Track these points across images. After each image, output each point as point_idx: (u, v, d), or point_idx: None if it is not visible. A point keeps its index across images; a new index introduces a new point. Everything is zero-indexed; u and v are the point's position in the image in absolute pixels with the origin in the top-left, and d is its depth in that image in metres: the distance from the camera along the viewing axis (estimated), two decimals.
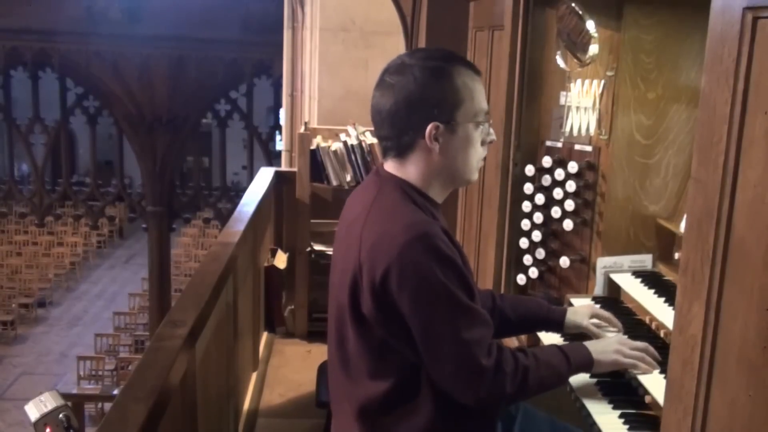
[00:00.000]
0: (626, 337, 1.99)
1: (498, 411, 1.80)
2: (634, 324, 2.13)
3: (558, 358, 1.76)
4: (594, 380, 1.94)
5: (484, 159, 1.82)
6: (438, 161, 1.69)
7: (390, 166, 1.74)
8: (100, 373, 12.44)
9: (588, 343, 1.87)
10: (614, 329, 2.06)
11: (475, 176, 1.78)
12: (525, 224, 2.65)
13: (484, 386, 1.62)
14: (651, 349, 1.88)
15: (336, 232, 1.84)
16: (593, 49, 2.37)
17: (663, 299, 2.09)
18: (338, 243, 1.80)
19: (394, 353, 1.65)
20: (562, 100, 2.53)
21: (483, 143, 1.75)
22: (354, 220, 1.70)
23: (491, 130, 1.77)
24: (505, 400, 1.70)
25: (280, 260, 4.69)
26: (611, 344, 1.88)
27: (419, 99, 1.65)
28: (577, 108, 2.47)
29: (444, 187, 1.76)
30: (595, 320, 2.07)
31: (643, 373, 1.84)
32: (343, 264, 1.68)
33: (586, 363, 1.81)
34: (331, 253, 4.50)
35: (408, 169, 1.71)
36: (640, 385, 1.84)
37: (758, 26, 1.18)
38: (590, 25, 2.36)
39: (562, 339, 2.15)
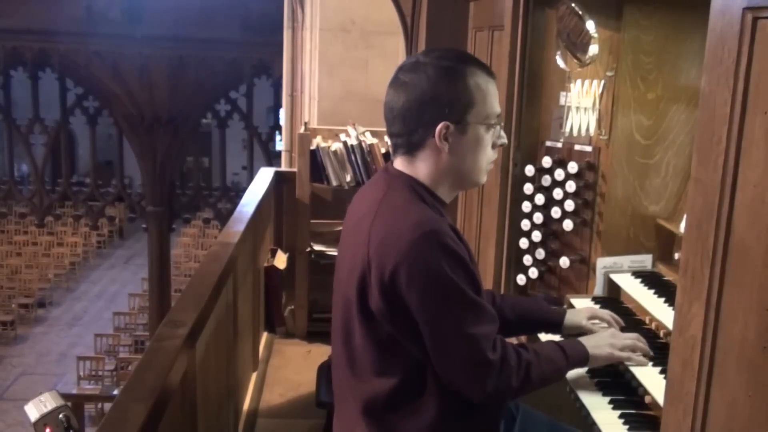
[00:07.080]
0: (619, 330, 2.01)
1: (502, 408, 1.80)
2: (634, 324, 2.13)
3: (557, 354, 1.78)
4: (594, 380, 1.95)
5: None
6: (447, 161, 1.69)
7: (399, 163, 1.74)
8: (100, 373, 12.46)
9: (583, 339, 1.90)
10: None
11: (483, 178, 1.78)
12: (525, 224, 2.65)
13: (491, 380, 1.63)
14: (642, 341, 1.91)
15: (343, 229, 1.84)
16: (593, 49, 2.37)
17: (663, 299, 2.09)
18: (345, 239, 1.80)
19: (400, 350, 1.65)
20: (562, 100, 2.53)
21: (494, 146, 1.75)
22: (362, 216, 1.70)
23: (502, 133, 1.77)
24: (511, 394, 1.71)
25: (280, 260, 4.69)
26: (604, 339, 1.91)
27: (431, 98, 1.65)
28: (577, 108, 2.47)
29: (452, 187, 1.76)
30: (594, 321, 2.07)
31: (638, 364, 1.87)
32: (351, 260, 1.68)
33: (582, 358, 1.84)
34: (331, 253, 4.55)
35: (417, 168, 1.71)
36: (640, 385, 1.84)
37: (758, 26, 1.18)
38: (590, 25, 2.36)
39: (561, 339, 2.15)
